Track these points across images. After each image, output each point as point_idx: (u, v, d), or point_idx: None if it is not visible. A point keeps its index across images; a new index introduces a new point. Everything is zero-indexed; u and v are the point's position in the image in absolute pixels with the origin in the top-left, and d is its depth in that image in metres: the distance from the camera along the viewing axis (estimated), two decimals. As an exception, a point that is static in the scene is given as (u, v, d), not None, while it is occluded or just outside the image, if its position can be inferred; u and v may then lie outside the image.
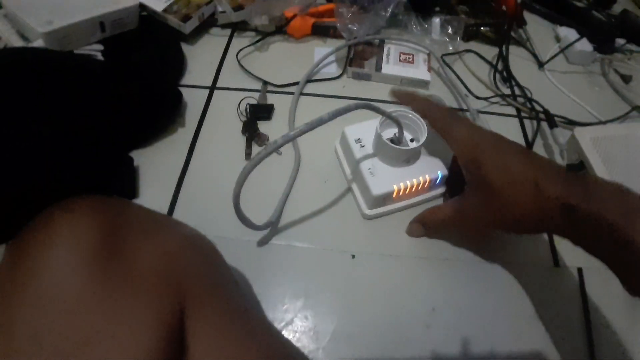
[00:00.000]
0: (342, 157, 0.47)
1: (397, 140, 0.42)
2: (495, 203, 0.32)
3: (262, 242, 0.42)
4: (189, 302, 0.24)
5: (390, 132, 0.43)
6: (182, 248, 0.27)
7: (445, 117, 0.37)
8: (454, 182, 0.43)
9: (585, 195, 0.28)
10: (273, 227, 0.43)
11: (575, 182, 0.29)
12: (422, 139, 0.41)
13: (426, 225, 0.42)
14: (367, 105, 0.36)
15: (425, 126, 0.41)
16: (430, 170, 0.43)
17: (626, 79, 0.62)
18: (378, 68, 0.54)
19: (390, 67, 0.54)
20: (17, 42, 0.48)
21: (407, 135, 0.43)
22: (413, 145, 0.43)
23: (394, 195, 0.42)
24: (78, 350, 0.20)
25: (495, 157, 0.32)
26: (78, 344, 0.20)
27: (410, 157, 0.42)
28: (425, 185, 0.43)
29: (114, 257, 0.23)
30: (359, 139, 0.44)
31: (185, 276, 0.25)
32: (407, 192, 0.42)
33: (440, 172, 0.43)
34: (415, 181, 0.42)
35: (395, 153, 0.41)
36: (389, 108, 0.40)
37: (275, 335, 0.29)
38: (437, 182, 0.43)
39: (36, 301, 0.21)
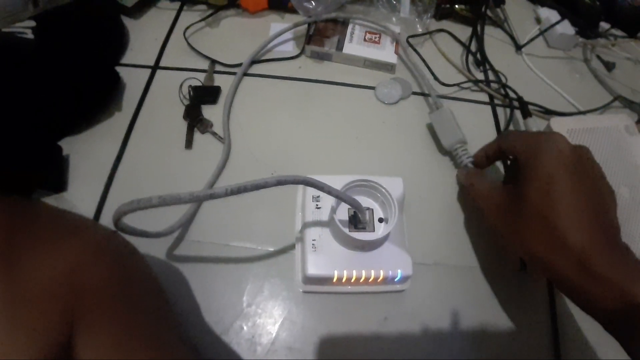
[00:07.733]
0: (300, 201, 0.39)
1: (356, 219, 0.34)
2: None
3: (200, 243, 0.37)
4: (81, 316, 0.22)
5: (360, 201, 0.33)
6: (84, 256, 0.24)
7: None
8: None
9: None
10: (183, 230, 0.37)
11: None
12: (389, 227, 0.32)
13: (470, 193, 0.39)
14: (304, 180, 0.27)
15: (396, 210, 0.32)
16: (390, 264, 0.33)
17: (609, 66, 0.57)
18: (339, 47, 0.49)
19: (353, 46, 0.49)
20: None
21: (378, 213, 0.35)
22: (370, 234, 0.34)
23: (334, 280, 0.33)
24: None
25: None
26: None
27: (365, 245, 0.33)
28: (379, 280, 0.34)
29: (4, 267, 0.21)
30: (318, 196, 0.35)
31: (81, 288, 0.23)
32: (352, 281, 0.34)
33: (401, 270, 0.33)
34: (364, 273, 0.33)
35: (344, 237, 0.32)
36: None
37: (183, 354, 0.26)
38: (396, 280, 0.34)
39: None
